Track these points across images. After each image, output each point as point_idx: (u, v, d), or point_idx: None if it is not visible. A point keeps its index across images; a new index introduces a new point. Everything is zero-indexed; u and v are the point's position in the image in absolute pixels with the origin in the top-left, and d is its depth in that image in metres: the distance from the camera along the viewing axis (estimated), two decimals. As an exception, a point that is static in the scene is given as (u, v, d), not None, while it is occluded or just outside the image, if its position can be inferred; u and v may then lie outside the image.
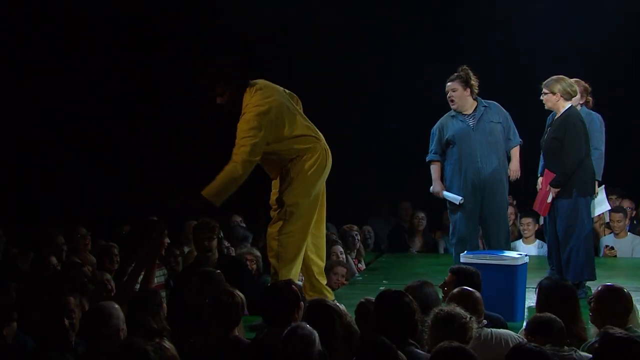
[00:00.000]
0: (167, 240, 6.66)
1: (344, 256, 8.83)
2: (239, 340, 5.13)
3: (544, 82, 7.61)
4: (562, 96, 7.50)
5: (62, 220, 9.62)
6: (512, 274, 6.68)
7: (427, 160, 8.12)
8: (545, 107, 7.64)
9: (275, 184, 6.87)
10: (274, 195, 6.83)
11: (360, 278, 8.84)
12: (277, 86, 6.87)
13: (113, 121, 11.96)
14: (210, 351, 5.08)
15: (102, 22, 11.60)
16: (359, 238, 9.73)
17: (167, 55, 11.97)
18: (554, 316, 4.84)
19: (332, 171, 10.87)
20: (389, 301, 4.85)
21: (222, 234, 7.93)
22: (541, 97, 7.61)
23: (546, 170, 7.67)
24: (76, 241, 8.15)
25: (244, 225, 10.01)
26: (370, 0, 11.91)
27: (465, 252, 7.27)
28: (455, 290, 5.24)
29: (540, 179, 7.89)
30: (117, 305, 5.05)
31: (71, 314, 5.06)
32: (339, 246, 8.84)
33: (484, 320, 5.08)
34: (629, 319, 5.00)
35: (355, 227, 9.79)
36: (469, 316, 4.74)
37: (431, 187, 8.12)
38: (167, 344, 4.61)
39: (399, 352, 4.28)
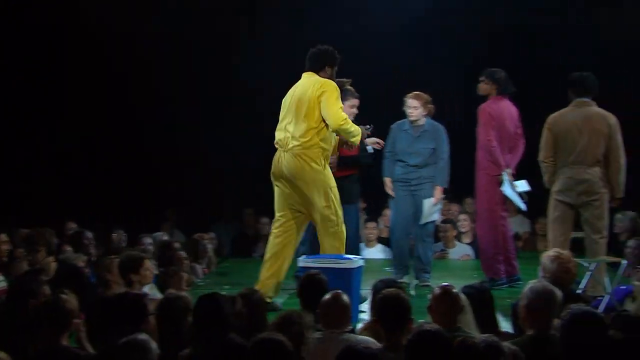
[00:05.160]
0: None
1: (187, 262, 8.82)
2: (68, 350, 4.95)
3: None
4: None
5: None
6: (348, 277, 6.86)
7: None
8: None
9: None
10: None
11: (202, 283, 8.82)
12: None
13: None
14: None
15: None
16: (211, 247, 9.79)
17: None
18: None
19: (176, 178, 10.83)
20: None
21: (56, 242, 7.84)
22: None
23: None
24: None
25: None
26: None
27: (304, 256, 7.43)
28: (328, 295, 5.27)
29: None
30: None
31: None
32: (182, 252, 8.81)
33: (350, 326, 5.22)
34: (458, 319, 5.21)
35: (207, 236, 9.88)
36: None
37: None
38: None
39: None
